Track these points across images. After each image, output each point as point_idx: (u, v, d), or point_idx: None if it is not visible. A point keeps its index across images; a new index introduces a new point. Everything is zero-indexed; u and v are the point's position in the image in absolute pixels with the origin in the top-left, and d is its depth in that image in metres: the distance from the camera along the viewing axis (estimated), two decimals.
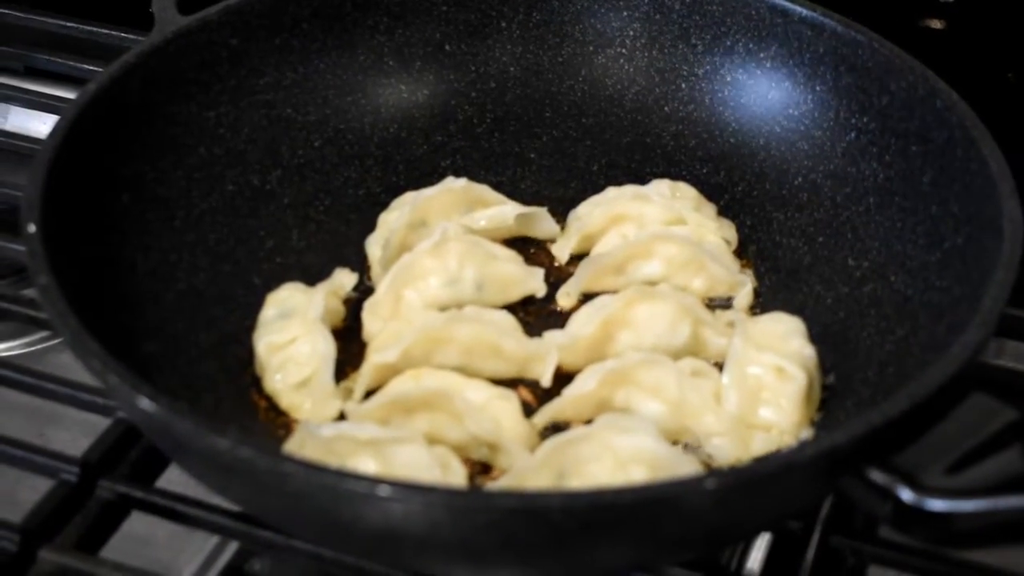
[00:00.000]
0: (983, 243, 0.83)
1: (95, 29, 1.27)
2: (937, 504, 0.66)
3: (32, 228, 0.80)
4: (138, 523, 0.90)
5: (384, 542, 0.71)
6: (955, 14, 1.24)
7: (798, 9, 1.00)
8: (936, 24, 1.25)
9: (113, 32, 1.26)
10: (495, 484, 0.83)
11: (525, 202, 1.05)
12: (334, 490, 0.66)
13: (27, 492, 0.89)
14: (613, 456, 0.81)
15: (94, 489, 0.88)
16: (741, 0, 1.03)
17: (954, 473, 0.68)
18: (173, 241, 0.93)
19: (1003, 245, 0.79)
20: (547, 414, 0.89)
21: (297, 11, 1.04)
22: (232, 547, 0.97)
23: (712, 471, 0.79)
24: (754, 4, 1.02)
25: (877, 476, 0.68)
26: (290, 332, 0.94)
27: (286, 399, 0.92)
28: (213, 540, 0.97)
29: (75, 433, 1.00)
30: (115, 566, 0.84)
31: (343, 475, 0.67)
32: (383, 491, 0.65)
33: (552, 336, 0.94)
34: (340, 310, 0.98)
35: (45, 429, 1.06)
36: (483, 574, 0.75)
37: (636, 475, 0.81)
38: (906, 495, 0.67)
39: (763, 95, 1.04)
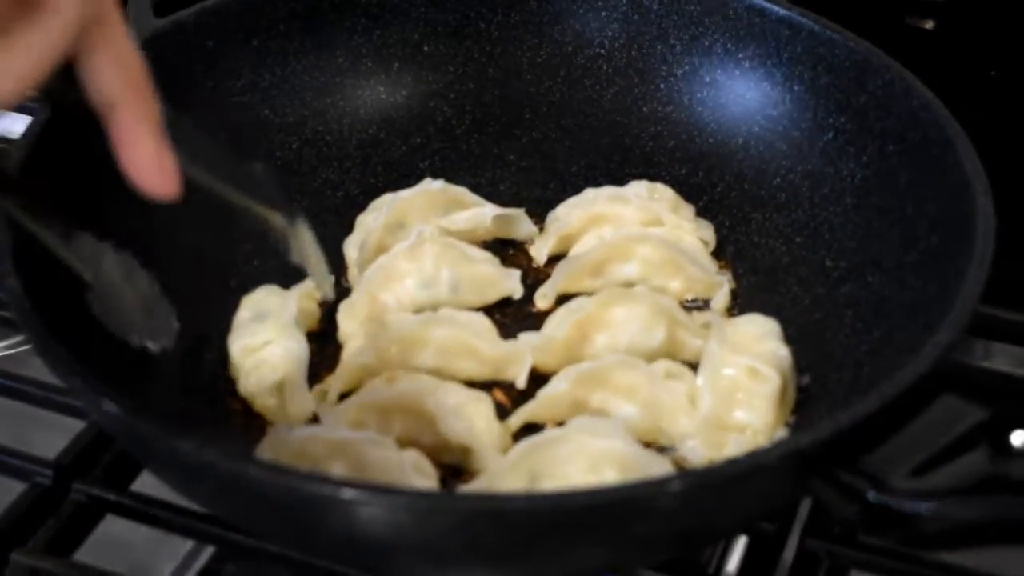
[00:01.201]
0: (957, 243, 0.82)
1: None
2: (903, 505, 0.66)
3: None
4: (115, 526, 0.91)
5: (350, 545, 0.71)
6: (943, 13, 1.23)
7: (775, 9, 1.00)
8: (925, 24, 1.24)
9: None
10: (467, 487, 0.83)
11: (504, 203, 1.05)
12: (298, 493, 0.66)
13: (1, 496, 0.89)
14: (586, 458, 0.81)
15: (68, 492, 0.88)
16: (719, 0, 1.02)
17: (922, 474, 0.67)
18: (147, 243, 0.92)
19: (976, 244, 0.79)
20: (521, 416, 0.89)
21: (274, 12, 1.03)
22: (208, 551, 0.96)
23: (679, 472, 0.78)
24: (732, 4, 1.02)
25: (845, 477, 0.68)
26: (264, 335, 0.93)
27: (260, 402, 0.91)
28: (189, 544, 0.97)
29: (53, 437, 1.00)
30: (88, 569, 0.85)
31: (307, 478, 0.67)
32: (347, 494, 0.64)
33: (527, 338, 0.94)
34: (315, 312, 0.97)
35: (24, 432, 1.05)
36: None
37: (608, 476, 0.81)
38: (872, 496, 0.66)
39: (741, 95, 1.03)
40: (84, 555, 0.88)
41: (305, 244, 0.82)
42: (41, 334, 0.74)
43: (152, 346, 0.80)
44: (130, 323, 0.80)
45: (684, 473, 0.74)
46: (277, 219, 0.79)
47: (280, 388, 0.91)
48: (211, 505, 0.78)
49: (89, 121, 0.66)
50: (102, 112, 0.63)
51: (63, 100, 0.64)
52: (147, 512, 0.87)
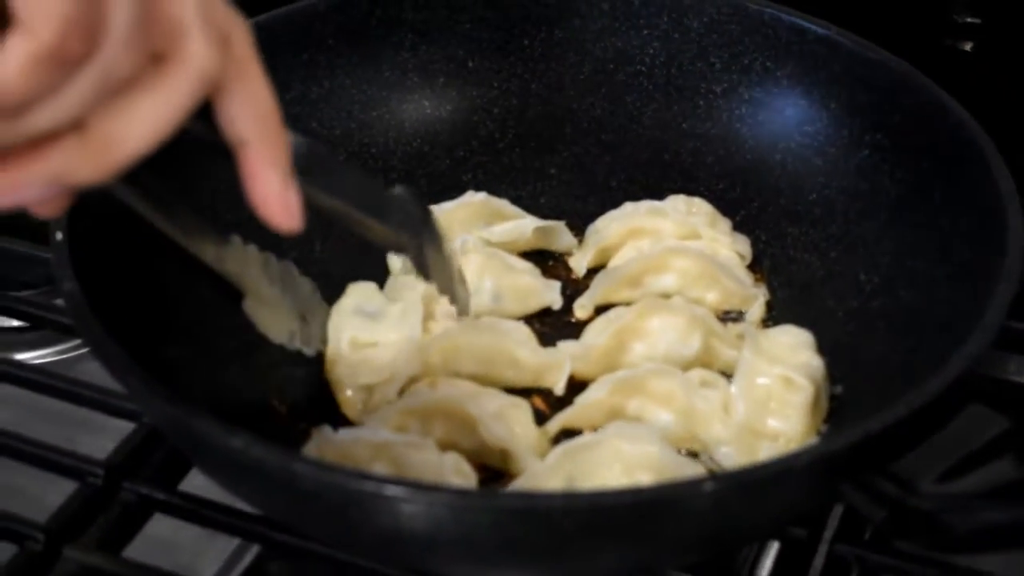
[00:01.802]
0: (989, 258, 0.84)
1: None
2: (932, 510, 0.67)
3: (59, 235, 0.83)
4: (162, 526, 0.92)
5: (391, 542, 0.73)
6: (981, 35, 1.25)
7: (814, 28, 1.02)
8: (964, 45, 1.26)
9: None
10: (506, 489, 0.85)
11: (544, 216, 1.08)
12: (343, 490, 0.68)
13: (55, 495, 0.91)
14: (621, 462, 0.83)
15: (118, 491, 0.91)
16: (758, 20, 1.05)
17: (950, 480, 0.69)
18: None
19: (1006, 261, 0.81)
20: (559, 421, 0.91)
21: (322, 27, 1.06)
22: (253, 551, 0.99)
23: (711, 475, 0.80)
24: (771, 24, 1.04)
25: (875, 482, 0.69)
26: (376, 335, 0.96)
27: (343, 394, 0.94)
28: (234, 543, 0.99)
29: (104, 439, 1.02)
30: (136, 566, 0.86)
31: (351, 475, 0.69)
32: (389, 491, 0.67)
33: (566, 346, 0.96)
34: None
35: (75, 435, 1.08)
36: (488, 575, 0.77)
37: (643, 481, 0.83)
38: (902, 501, 0.68)
39: (779, 112, 1.05)
40: (132, 553, 0.90)
41: (445, 261, 0.82)
42: (98, 335, 0.77)
43: (307, 351, 0.83)
44: (287, 328, 0.84)
45: (717, 475, 0.76)
46: (414, 242, 0.80)
47: (370, 390, 0.94)
48: (258, 502, 0.80)
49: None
50: (233, 147, 0.64)
51: (195, 134, 0.64)
52: (194, 511, 0.89)
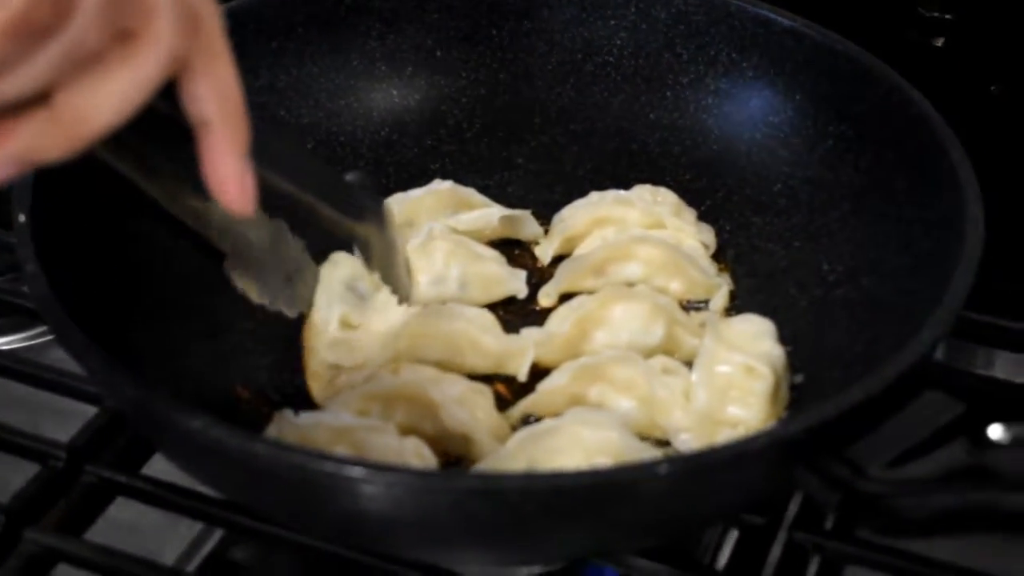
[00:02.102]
0: (949, 247, 0.84)
1: None
2: (882, 494, 0.68)
3: (22, 218, 0.83)
4: (125, 510, 0.93)
5: (351, 524, 0.73)
6: (947, 29, 1.26)
7: (780, 20, 1.03)
8: (936, 41, 1.27)
9: None
10: None
11: (511, 205, 1.08)
12: (302, 469, 0.68)
13: (18, 478, 0.91)
14: (582, 448, 0.84)
15: (80, 474, 0.91)
16: (724, 11, 1.05)
17: (902, 465, 0.70)
18: (166, 231, 0.95)
19: (964, 249, 0.81)
20: (521, 408, 0.92)
21: (291, 15, 1.06)
22: (216, 536, 0.99)
23: (666, 457, 0.81)
24: (737, 15, 1.05)
25: (828, 466, 0.70)
26: (362, 319, 0.96)
27: (313, 367, 0.95)
28: (198, 528, 0.99)
29: (72, 425, 1.02)
30: (97, 548, 0.86)
31: (311, 455, 0.69)
32: (348, 471, 0.67)
33: (529, 333, 0.96)
34: None
35: (41, 420, 1.08)
36: (448, 557, 0.77)
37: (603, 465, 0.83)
38: (854, 485, 0.69)
39: (745, 103, 1.06)
40: (95, 537, 0.90)
41: (391, 250, 0.82)
42: (59, 317, 0.77)
43: (289, 312, 0.82)
44: (270, 289, 0.83)
45: (672, 457, 0.76)
46: (362, 230, 0.80)
47: (338, 369, 0.94)
48: (218, 485, 0.80)
49: None
50: (194, 127, 0.65)
51: (159, 111, 0.64)
52: (157, 495, 0.89)
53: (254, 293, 0.82)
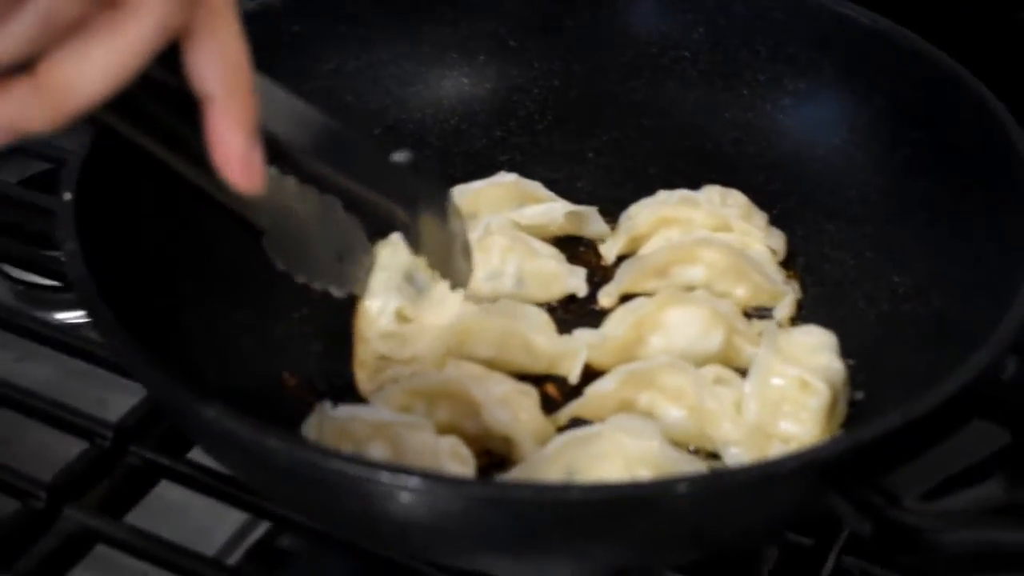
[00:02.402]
0: (1018, 270, 0.80)
1: None
2: (916, 527, 0.65)
3: (68, 195, 0.83)
4: (175, 493, 0.92)
5: (361, 519, 0.72)
6: None
7: (861, 19, 0.99)
8: None
9: None
10: (503, 477, 0.84)
11: (580, 200, 1.05)
12: (313, 467, 0.67)
13: (63, 453, 0.92)
14: (622, 456, 0.81)
15: (125, 455, 0.91)
16: (804, 7, 1.01)
17: (940, 497, 0.66)
18: (218, 216, 0.95)
19: None
20: (568, 411, 0.90)
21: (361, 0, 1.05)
22: (265, 524, 0.98)
23: (687, 476, 0.78)
24: (818, 12, 1.01)
25: (861, 493, 0.67)
26: (417, 313, 0.95)
27: (361, 357, 0.94)
28: (245, 515, 0.99)
29: (126, 404, 1.02)
30: (135, 531, 0.86)
31: (317, 452, 0.68)
32: (353, 470, 0.66)
33: (582, 334, 0.94)
34: None
35: (103, 396, 1.08)
36: (468, 561, 0.76)
37: (642, 476, 0.80)
38: (887, 515, 0.65)
39: (823, 104, 1.02)
40: (140, 518, 0.90)
41: (444, 234, 0.79)
42: (90, 294, 0.76)
43: (337, 292, 0.79)
44: (316, 268, 0.78)
45: (693, 477, 0.73)
46: (407, 213, 0.77)
47: (387, 361, 0.93)
48: (238, 472, 0.79)
49: None
50: (200, 101, 0.62)
51: (161, 82, 0.62)
52: (200, 480, 0.89)
53: (296, 271, 0.79)
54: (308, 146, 0.70)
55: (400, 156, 0.76)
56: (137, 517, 0.90)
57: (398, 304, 0.95)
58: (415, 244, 0.77)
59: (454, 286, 0.81)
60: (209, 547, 0.93)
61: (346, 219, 0.78)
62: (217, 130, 0.63)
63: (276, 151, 0.68)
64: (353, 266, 0.80)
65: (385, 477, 0.66)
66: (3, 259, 1.12)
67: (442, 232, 0.79)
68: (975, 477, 0.67)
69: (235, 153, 0.63)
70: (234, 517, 0.99)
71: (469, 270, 0.83)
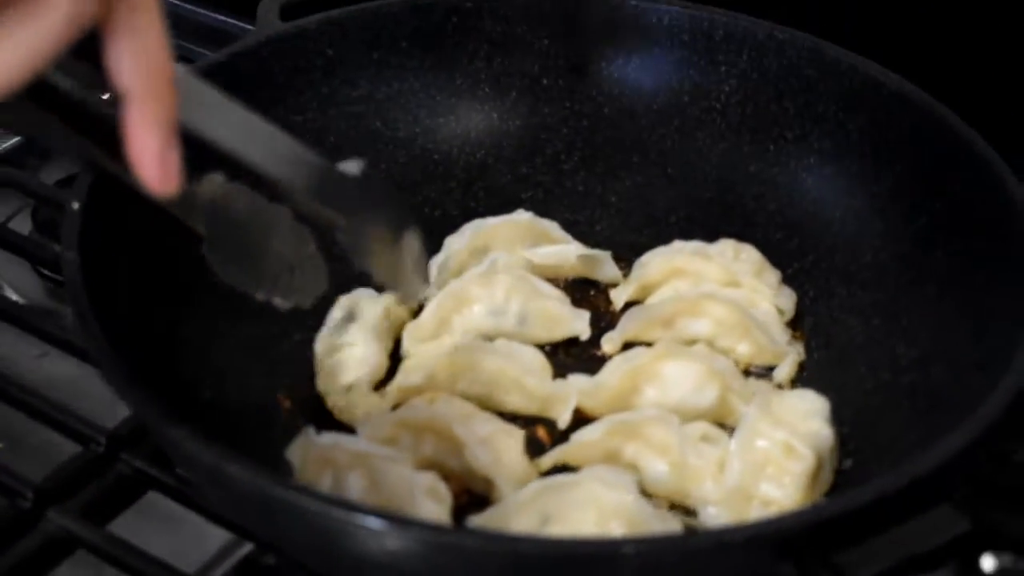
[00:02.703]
0: (1013, 352, 0.79)
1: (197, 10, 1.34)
2: None
3: (75, 205, 0.84)
4: (171, 503, 0.93)
5: (320, 551, 0.72)
6: None
7: (889, 82, 0.98)
8: None
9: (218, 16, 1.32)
10: (476, 519, 0.83)
11: (597, 244, 1.05)
12: (260, 496, 0.68)
13: (56, 456, 0.93)
14: (597, 508, 0.81)
15: (115, 462, 0.91)
16: (836, 67, 1.00)
17: None
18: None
19: (1017, 356, 0.76)
20: (553, 456, 0.89)
21: (397, 28, 1.06)
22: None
23: (634, 537, 0.77)
24: (848, 72, 1.00)
25: (813, 570, 0.66)
26: (348, 336, 0.96)
27: (330, 400, 0.94)
28: None
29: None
30: (116, 540, 0.86)
31: (276, 486, 0.68)
32: (307, 503, 0.66)
33: (576, 380, 0.94)
34: (406, 320, 0.99)
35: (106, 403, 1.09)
36: None
37: (615, 530, 0.80)
38: None
39: (846, 166, 1.01)
40: (133, 526, 0.91)
41: (391, 250, 0.79)
42: (82, 305, 0.77)
43: (281, 303, 0.78)
44: (257, 276, 0.78)
45: (640, 538, 0.73)
46: (345, 223, 0.76)
47: (349, 390, 0.94)
48: (205, 492, 0.80)
49: None
50: (118, 97, 0.61)
51: (88, 79, 0.62)
52: (187, 493, 0.89)
53: (238, 280, 0.78)
54: (254, 154, 0.69)
55: (350, 165, 0.75)
56: (129, 524, 0.90)
57: (326, 342, 0.96)
58: (358, 254, 0.76)
59: (404, 299, 0.81)
60: (198, 560, 0.94)
61: (298, 229, 0.78)
62: (132, 128, 0.62)
63: (221, 157, 0.68)
64: (304, 278, 0.80)
65: (337, 513, 0.66)
66: (37, 259, 1.13)
67: (392, 245, 0.78)
68: (927, 562, 0.65)
69: (148, 152, 0.62)
70: (224, 532, 1.00)
71: (421, 285, 0.82)
